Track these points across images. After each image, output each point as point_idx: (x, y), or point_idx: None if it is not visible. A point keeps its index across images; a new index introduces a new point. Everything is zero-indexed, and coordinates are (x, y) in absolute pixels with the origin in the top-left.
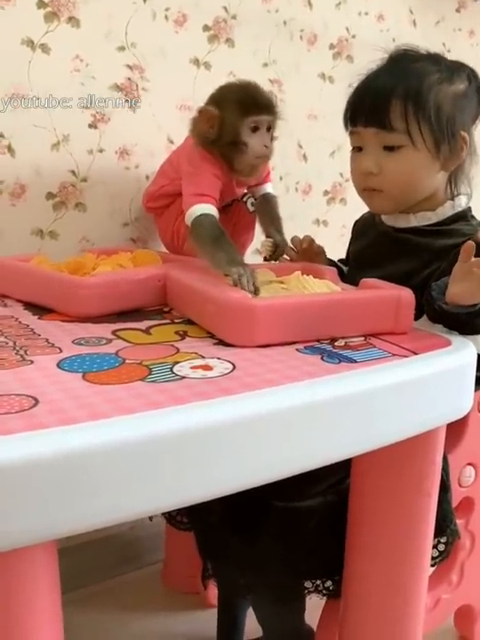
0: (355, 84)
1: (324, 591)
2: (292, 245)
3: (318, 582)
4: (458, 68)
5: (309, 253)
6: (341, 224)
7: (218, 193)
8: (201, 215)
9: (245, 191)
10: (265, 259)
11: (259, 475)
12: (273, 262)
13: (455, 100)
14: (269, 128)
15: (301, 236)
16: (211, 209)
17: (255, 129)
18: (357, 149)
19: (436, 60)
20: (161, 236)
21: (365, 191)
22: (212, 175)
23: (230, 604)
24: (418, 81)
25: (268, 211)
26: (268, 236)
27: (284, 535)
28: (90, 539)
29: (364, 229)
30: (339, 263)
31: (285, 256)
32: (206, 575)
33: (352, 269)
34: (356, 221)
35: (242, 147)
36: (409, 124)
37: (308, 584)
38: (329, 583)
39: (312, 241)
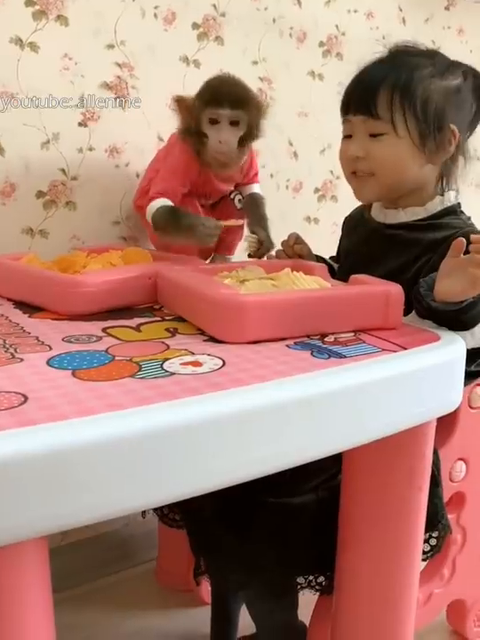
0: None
1: (316, 587)
2: (281, 247)
3: (311, 578)
4: (454, 65)
5: (299, 253)
6: (332, 221)
7: (176, 186)
8: (156, 211)
9: (233, 189)
10: (249, 255)
11: (249, 470)
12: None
13: (446, 94)
14: (235, 123)
15: (292, 234)
16: (163, 201)
17: (214, 122)
18: (348, 137)
19: (431, 55)
20: (150, 233)
21: (354, 176)
22: (173, 174)
23: (224, 600)
24: (409, 72)
25: (253, 210)
26: (252, 233)
27: (276, 531)
28: (83, 537)
29: (354, 226)
30: (328, 260)
31: (271, 253)
32: (198, 572)
33: (343, 266)
34: (346, 218)
35: (203, 138)
36: (393, 113)
37: (300, 580)
38: (322, 579)
39: (297, 237)
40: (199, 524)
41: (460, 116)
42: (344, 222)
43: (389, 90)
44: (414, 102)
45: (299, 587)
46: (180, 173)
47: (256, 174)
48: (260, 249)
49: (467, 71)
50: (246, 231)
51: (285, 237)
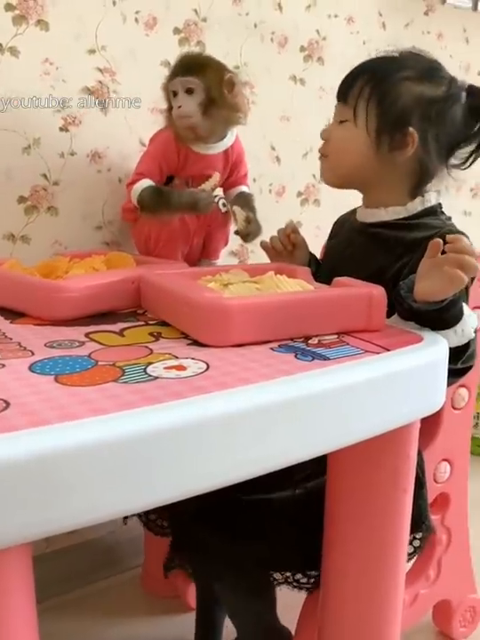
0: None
1: (294, 583)
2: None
3: (288, 574)
4: (440, 77)
5: (294, 242)
6: (315, 225)
7: (155, 168)
8: (141, 192)
9: (217, 194)
10: (236, 232)
11: (235, 473)
12: (247, 248)
13: (417, 99)
14: (190, 91)
15: (290, 223)
16: (145, 182)
17: (174, 93)
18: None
19: (423, 61)
20: (135, 239)
21: (320, 158)
22: (153, 157)
23: (208, 605)
24: (389, 70)
25: (241, 202)
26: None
27: (256, 528)
28: (68, 544)
29: (341, 227)
30: (317, 258)
31: (266, 239)
32: (171, 566)
33: (327, 265)
34: (337, 220)
35: (170, 112)
36: (358, 102)
37: (277, 575)
38: (299, 576)
39: (294, 227)
40: (180, 524)
41: (429, 126)
42: (334, 224)
43: (364, 82)
44: (381, 97)
45: (275, 582)
46: (160, 155)
47: (245, 176)
48: (248, 227)
49: (451, 84)
50: (235, 239)
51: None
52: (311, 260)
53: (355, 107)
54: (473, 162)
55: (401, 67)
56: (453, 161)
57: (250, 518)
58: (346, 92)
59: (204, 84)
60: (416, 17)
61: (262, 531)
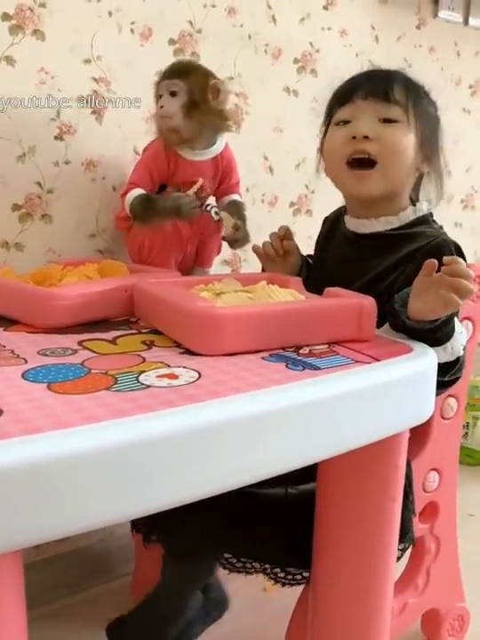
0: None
1: (271, 575)
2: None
3: (266, 566)
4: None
5: (286, 249)
6: (307, 235)
7: (147, 176)
8: (132, 201)
9: (209, 203)
10: (224, 238)
11: (226, 480)
12: (236, 250)
13: (437, 120)
14: (173, 94)
15: (283, 227)
16: (137, 191)
17: (160, 96)
18: (343, 123)
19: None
20: (128, 247)
21: (350, 169)
22: (145, 166)
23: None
24: (416, 84)
25: (232, 210)
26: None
27: (238, 514)
28: (58, 552)
29: (331, 229)
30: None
31: (259, 245)
32: (148, 538)
33: (320, 273)
34: (326, 218)
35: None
36: (408, 102)
37: (256, 565)
38: (277, 570)
39: (288, 231)
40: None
41: (437, 141)
42: (323, 222)
43: (404, 85)
44: (422, 103)
45: (254, 570)
46: (151, 163)
47: (237, 184)
48: (236, 233)
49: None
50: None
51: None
52: (303, 264)
53: (407, 106)
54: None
55: (418, 83)
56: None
57: (237, 506)
58: (387, 89)
59: (187, 87)
60: (408, 30)
61: (246, 519)
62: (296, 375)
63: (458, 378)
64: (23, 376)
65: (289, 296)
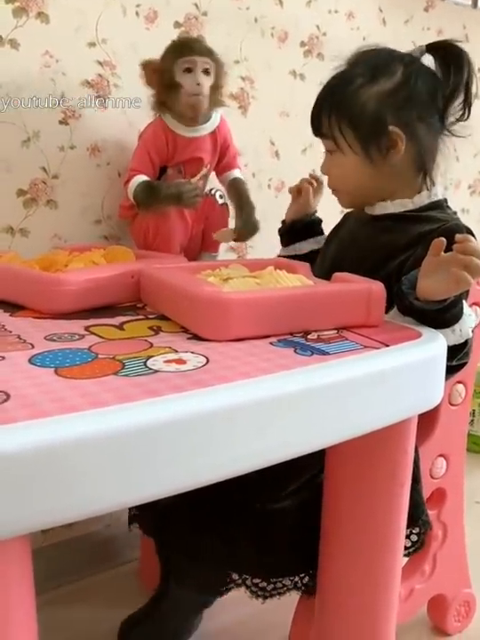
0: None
1: (302, 587)
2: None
3: (296, 579)
4: (391, 65)
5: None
6: None
7: (148, 160)
8: (135, 188)
9: (213, 187)
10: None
11: (235, 466)
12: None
13: (380, 98)
14: (207, 72)
15: (286, 219)
16: (139, 178)
17: (188, 70)
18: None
19: (364, 61)
20: (133, 234)
21: (332, 192)
22: (144, 150)
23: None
24: (341, 88)
25: (236, 199)
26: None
27: (257, 536)
28: (65, 538)
29: (347, 215)
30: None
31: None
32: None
33: (330, 255)
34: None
35: (177, 88)
36: (333, 131)
37: (286, 582)
38: (306, 578)
39: (317, 179)
40: (172, 526)
41: (404, 114)
42: (343, 216)
43: (327, 110)
44: (349, 117)
45: (285, 588)
46: (149, 147)
47: (235, 157)
48: (238, 238)
49: (408, 63)
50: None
51: (267, 236)
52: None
53: (333, 137)
54: (469, 110)
55: (351, 77)
56: (451, 119)
57: (249, 523)
58: (318, 127)
59: (215, 69)
60: (416, 13)
61: (261, 536)
62: (304, 360)
63: (465, 363)
64: (30, 361)
65: (297, 281)
